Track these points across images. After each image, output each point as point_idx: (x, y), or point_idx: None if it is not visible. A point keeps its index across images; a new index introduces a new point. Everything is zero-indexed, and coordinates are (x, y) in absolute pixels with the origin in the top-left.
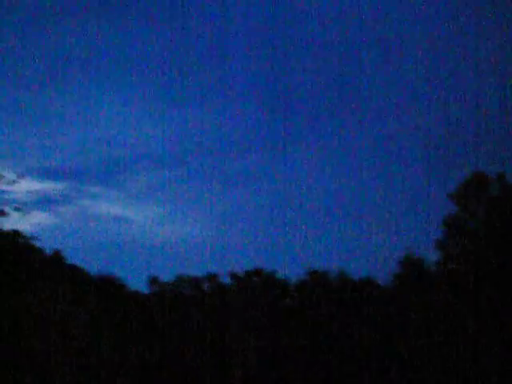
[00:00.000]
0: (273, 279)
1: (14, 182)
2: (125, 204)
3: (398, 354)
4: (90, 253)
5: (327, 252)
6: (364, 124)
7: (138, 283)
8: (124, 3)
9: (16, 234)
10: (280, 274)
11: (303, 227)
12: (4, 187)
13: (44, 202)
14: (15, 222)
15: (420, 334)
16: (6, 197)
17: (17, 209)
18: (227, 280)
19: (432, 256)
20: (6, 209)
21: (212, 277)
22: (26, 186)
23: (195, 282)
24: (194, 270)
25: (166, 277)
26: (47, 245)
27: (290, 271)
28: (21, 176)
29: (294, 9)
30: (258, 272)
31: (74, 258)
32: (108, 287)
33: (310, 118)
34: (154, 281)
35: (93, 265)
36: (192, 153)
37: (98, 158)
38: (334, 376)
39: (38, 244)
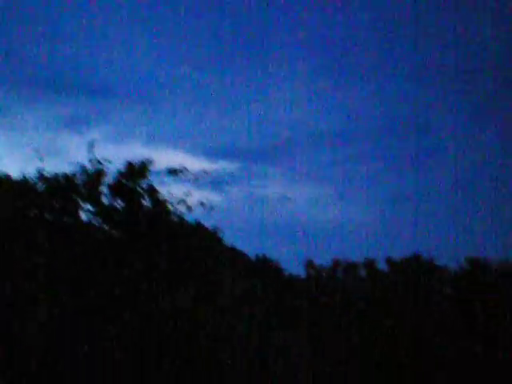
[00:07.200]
0: (431, 265)
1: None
2: (289, 184)
3: None
4: (250, 234)
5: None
6: None
7: (296, 267)
8: None
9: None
10: (439, 262)
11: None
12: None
13: (214, 182)
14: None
15: None
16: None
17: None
18: (383, 266)
19: None
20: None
21: (369, 262)
22: (199, 166)
23: (351, 266)
24: (351, 255)
25: (323, 260)
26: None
27: (450, 259)
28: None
29: None
30: (415, 258)
31: (235, 239)
32: (267, 271)
33: None
34: (309, 264)
35: (252, 247)
36: (359, 133)
37: (266, 138)
38: None
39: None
